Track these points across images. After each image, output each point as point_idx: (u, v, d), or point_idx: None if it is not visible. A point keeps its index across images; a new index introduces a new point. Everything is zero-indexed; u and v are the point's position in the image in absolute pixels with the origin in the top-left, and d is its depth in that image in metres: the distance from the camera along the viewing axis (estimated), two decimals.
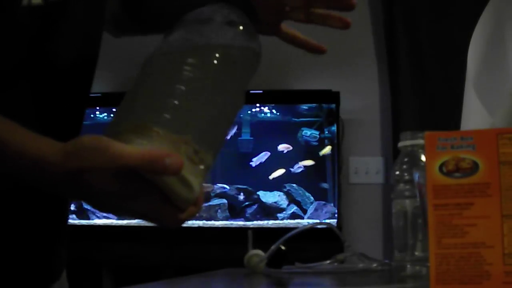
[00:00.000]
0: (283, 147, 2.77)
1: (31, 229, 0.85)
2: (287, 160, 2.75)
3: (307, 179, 2.77)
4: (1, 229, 0.81)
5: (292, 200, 2.76)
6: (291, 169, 2.75)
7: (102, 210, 0.73)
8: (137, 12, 0.99)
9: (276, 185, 2.76)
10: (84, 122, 0.90)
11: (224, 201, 2.77)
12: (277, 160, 2.77)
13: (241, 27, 0.76)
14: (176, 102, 0.69)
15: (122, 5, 0.98)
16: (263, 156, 2.78)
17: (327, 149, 2.75)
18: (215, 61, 0.73)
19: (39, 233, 0.87)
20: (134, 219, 0.75)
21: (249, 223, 2.71)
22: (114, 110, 1.08)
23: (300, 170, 2.75)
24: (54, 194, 0.76)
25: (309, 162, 2.75)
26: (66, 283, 0.93)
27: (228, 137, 1.18)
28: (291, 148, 2.76)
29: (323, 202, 2.74)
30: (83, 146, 0.66)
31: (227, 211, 2.76)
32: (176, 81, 0.71)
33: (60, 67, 0.83)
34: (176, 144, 0.67)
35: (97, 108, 2.82)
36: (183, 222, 0.71)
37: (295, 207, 2.74)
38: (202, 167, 0.68)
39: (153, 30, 0.95)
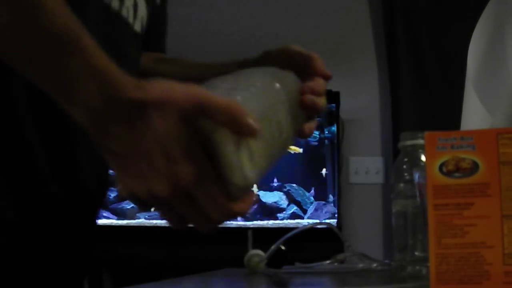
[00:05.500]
0: None
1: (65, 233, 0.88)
2: (287, 160, 2.75)
3: (307, 179, 2.77)
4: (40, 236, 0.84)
5: (292, 200, 2.76)
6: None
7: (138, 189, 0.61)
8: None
9: (276, 185, 2.76)
10: None
11: None
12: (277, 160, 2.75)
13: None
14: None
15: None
16: None
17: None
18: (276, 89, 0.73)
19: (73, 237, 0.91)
20: (164, 217, 0.65)
21: (249, 223, 2.71)
22: None
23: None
24: (93, 134, 0.62)
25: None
26: None
27: None
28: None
29: (323, 202, 2.74)
30: (159, 82, 0.62)
31: None
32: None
33: None
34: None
35: None
36: (228, 218, 0.64)
37: (295, 207, 2.74)
38: (259, 168, 0.67)
39: None
